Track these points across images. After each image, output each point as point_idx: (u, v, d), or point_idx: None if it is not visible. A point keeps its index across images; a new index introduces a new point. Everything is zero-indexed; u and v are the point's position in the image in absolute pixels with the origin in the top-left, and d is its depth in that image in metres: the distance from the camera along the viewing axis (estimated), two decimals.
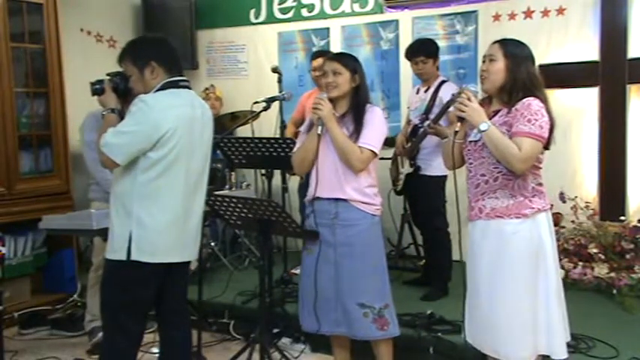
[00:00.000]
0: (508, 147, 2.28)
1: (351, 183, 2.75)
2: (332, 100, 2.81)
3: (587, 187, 4.50)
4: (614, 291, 3.87)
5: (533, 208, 2.37)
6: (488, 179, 2.40)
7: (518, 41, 2.45)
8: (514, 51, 2.39)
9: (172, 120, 2.41)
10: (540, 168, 2.43)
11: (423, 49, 4.02)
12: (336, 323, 2.81)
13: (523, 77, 2.35)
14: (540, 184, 2.43)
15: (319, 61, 4.45)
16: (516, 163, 2.28)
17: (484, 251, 2.41)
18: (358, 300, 2.74)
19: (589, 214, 4.31)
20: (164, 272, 2.51)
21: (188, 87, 2.59)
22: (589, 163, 4.50)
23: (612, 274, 3.95)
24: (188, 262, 2.69)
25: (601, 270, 4.00)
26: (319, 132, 2.72)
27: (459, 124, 2.43)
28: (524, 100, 2.32)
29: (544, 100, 2.35)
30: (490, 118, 2.37)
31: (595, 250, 4.09)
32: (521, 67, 2.36)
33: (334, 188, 2.77)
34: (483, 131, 2.31)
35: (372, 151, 2.73)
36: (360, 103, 2.80)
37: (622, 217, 4.23)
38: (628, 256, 4.02)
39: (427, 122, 3.85)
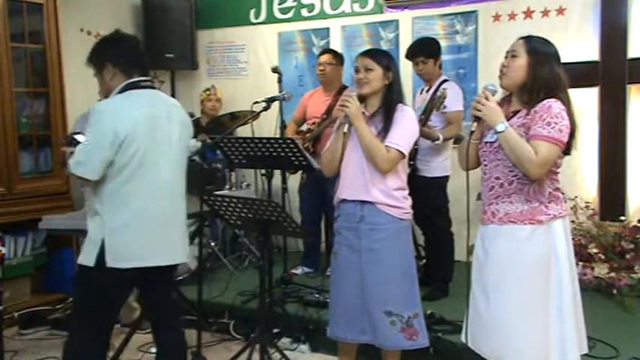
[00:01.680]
0: (524, 150, 2.18)
1: (378, 185, 2.66)
2: (363, 99, 2.73)
3: (587, 187, 4.50)
4: (614, 291, 3.87)
5: (549, 214, 2.28)
6: (503, 183, 2.31)
7: (543, 39, 2.35)
8: (538, 48, 2.29)
9: (129, 123, 2.34)
10: (558, 173, 2.33)
11: (422, 50, 4.00)
12: (361, 331, 2.73)
13: (545, 76, 2.25)
14: (558, 189, 2.34)
15: (325, 57, 4.48)
16: (532, 167, 2.18)
17: (494, 257, 2.32)
18: (385, 308, 2.66)
19: (589, 214, 4.31)
20: (142, 276, 2.47)
21: (151, 87, 2.52)
22: (589, 163, 4.50)
23: (612, 274, 3.95)
24: (174, 265, 2.64)
25: (601, 270, 4.00)
26: (345, 130, 2.65)
27: (475, 123, 2.34)
28: (544, 101, 2.21)
29: (566, 103, 2.25)
30: (508, 119, 2.28)
31: (595, 250, 4.09)
32: (544, 65, 2.26)
33: (359, 190, 2.68)
34: (500, 132, 2.22)
35: (400, 151, 2.63)
36: (391, 102, 2.71)
37: (622, 217, 4.23)
38: (628, 256, 4.02)
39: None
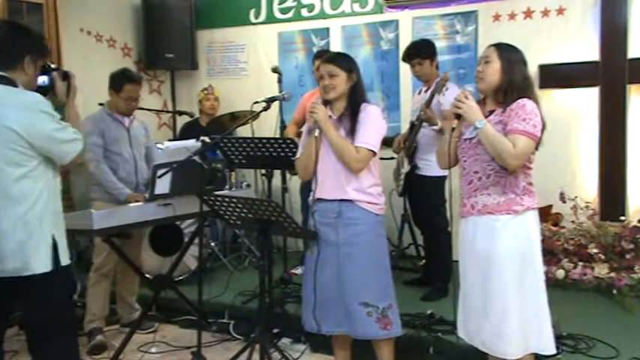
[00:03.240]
0: (503, 144, 2.34)
1: (353, 184, 2.75)
2: (329, 102, 2.82)
3: (587, 188, 4.51)
4: (614, 291, 3.88)
5: (523, 205, 2.43)
6: (481, 176, 2.47)
7: (512, 45, 2.54)
8: (508, 54, 2.48)
9: None
10: (531, 168, 2.49)
11: (417, 52, 4.01)
12: (338, 323, 2.80)
13: (518, 78, 2.44)
14: (530, 184, 2.49)
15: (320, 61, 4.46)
16: (510, 159, 2.34)
17: (476, 247, 2.48)
18: (362, 299, 2.74)
19: (589, 214, 4.31)
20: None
21: None
22: (589, 164, 4.50)
23: (612, 274, 3.95)
24: (19, 281, 2.28)
25: (601, 270, 4.00)
26: (316, 135, 2.75)
27: (456, 121, 2.50)
28: (519, 100, 2.40)
29: (536, 102, 2.44)
30: (485, 117, 2.44)
31: (595, 250, 4.09)
32: (515, 69, 2.45)
33: (336, 190, 2.76)
34: (479, 128, 2.38)
35: (369, 149, 2.73)
36: (355, 103, 2.80)
37: (622, 217, 4.24)
38: (628, 256, 4.03)
39: (421, 106, 3.83)
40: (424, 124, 3.84)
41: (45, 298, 2.34)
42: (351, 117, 2.78)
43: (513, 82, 2.43)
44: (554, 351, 2.51)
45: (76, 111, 2.59)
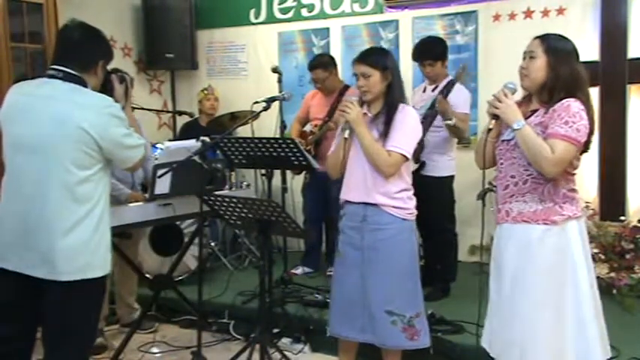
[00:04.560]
0: (541, 148, 2.16)
1: (380, 188, 2.67)
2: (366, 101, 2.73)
3: (587, 188, 4.49)
4: (614, 291, 3.87)
5: (563, 215, 2.25)
6: (518, 181, 2.29)
7: (560, 36, 2.31)
8: (556, 46, 2.26)
9: (4, 108, 2.27)
10: (574, 173, 2.32)
11: (430, 53, 3.94)
12: (362, 329, 2.73)
13: (565, 75, 2.22)
14: (573, 190, 2.31)
15: (316, 73, 4.44)
16: (547, 165, 2.16)
17: (508, 257, 2.30)
18: (386, 307, 2.66)
19: (589, 214, 4.30)
20: (15, 283, 2.21)
21: (54, 76, 2.25)
22: (589, 163, 4.49)
23: (612, 274, 3.95)
24: (53, 284, 2.17)
25: (601, 270, 3.99)
26: (346, 136, 2.66)
27: (493, 121, 2.32)
28: (563, 100, 2.19)
29: (585, 102, 2.23)
30: (527, 118, 2.26)
31: (595, 250, 4.08)
32: (564, 64, 2.23)
33: (362, 193, 2.70)
34: (516, 130, 2.20)
35: (402, 154, 2.64)
36: (392, 103, 2.70)
37: (622, 217, 4.23)
38: (628, 256, 4.02)
39: (438, 96, 3.74)
40: (438, 117, 3.75)
41: (85, 301, 2.25)
42: (385, 118, 2.68)
43: (560, 79, 2.21)
44: None
45: (132, 114, 2.59)
